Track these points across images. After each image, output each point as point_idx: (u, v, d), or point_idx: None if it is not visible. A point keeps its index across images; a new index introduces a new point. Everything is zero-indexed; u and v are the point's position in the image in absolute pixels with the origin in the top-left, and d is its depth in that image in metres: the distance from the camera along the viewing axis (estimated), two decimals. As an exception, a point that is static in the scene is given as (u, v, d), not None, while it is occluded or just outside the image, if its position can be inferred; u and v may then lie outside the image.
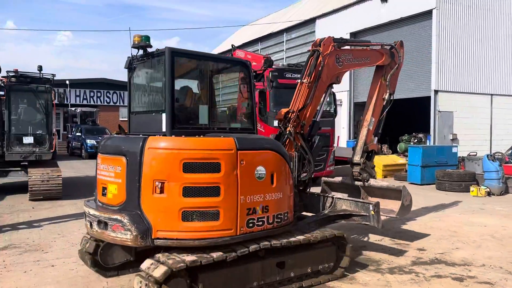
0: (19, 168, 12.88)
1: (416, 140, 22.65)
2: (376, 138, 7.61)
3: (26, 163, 12.78)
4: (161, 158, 4.73)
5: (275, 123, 7.63)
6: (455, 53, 21.21)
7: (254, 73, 5.97)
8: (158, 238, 4.68)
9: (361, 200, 6.53)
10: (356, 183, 7.42)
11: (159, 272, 4.39)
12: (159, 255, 4.67)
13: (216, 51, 39.15)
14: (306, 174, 6.36)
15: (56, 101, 13.54)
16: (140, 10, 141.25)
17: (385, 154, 23.40)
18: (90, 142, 26.36)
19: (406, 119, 26.54)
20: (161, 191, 4.67)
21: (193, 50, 5.56)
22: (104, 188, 5.16)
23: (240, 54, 15.66)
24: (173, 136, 5.00)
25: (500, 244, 7.82)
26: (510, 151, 17.11)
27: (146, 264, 4.62)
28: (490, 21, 22.27)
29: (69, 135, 31.77)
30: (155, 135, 5.06)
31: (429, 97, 20.99)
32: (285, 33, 30.85)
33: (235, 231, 4.84)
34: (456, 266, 6.55)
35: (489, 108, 22.54)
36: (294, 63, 16.93)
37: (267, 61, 6.15)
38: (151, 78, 5.79)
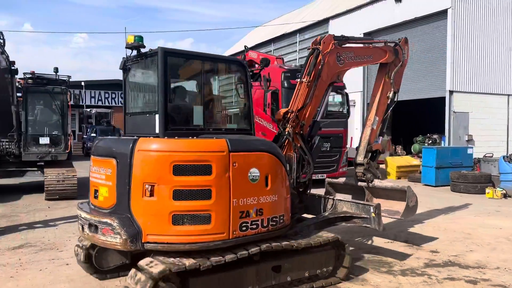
0: (35, 168, 13.18)
1: (430, 141, 22.33)
2: (381, 137, 7.41)
3: (42, 163, 13.05)
4: (151, 161, 4.63)
5: None
6: (470, 53, 20.78)
7: (251, 73, 5.84)
8: (148, 242, 4.58)
9: (362, 202, 6.35)
10: (360, 183, 7.23)
11: (157, 269, 4.32)
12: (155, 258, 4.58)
13: (229, 52, 39.15)
14: (306, 175, 6.21)
15: (71, 102, 13.85)
16: (154, 11, 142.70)
17: (399, 155, 23.10)
18: (104, 143, 26.45)
19: (420, 120, 26.19)
20: (151, 194, 4.57)
21: (187, 50, 5.48)
22: (96, 191, 5.09)
23: (252, 55, 15.65)
24: (165, 137, 4.90)
25: (515, 247, 7.63)
26: (527, 152, 16.73)
27: (145, 261, 4.54)
28: (506, 20, 21.75)
29: (84, 136, 32.12)
30: (149, 137, 4.98)
31: (444, 98, 20.59)
32: (298, 34, 30.63)
33: (227, 235, 4.72)
34: (470, 269, 6.44)
35: (505, 109, 22.02)
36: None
37: (264, 60, 6.02)
38: (145, 78, 5.71)
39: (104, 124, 30.71)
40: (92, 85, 36.40)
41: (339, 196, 7.27)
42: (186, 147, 4.69)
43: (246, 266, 4.93)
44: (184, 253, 4.62)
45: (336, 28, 26.07)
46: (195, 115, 5.53)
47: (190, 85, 5.85)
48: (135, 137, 4.90)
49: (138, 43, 5.29)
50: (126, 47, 5.40)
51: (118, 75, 5.90)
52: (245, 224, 4.84)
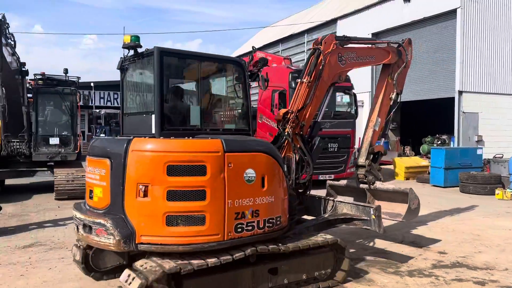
0: (45, 168, 13.33)
1: (439, 142, 22.12)
2: (383, 139, 7.31)
3: (52, 164, 13.21)
4: (145, 161, 4.57)
5: None
6: (480, 53, 20.54)
7: (249, 73, 5.77)
8: (142, 243, 4.52)
9: (362, 204, 6.25)
10: (362, 186, 7.13)
11: (150, 271, 4.28)
12: (138, 263, 4.52)
13: (237, 52, 39.11)
14: (305, 176, 6.12)
15: (81, 103, 14.09)
16: (162, 13, 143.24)
17: (407, 155, 22.89)
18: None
19: (429, 120, 25.94)
20: (145, 195, 4.51)
21: (183, 50, 5.42)
22: (91, 191, 5.06)
23: (260, 55, 15.60)
24: (161, 138, 4.85)
25: (525, 248, 7.54)
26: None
27: (140, 262, 4.50)
28: (516, 19, 21.51)
29: (93, 136, 32.22)
30: (145, 137, 4.93)
31: (453, 98, 20.37)
32: (306, 34, 30.50)
33: (222, 236, 4.64)
34: (478, 270, 6.38)
35: (516, 109, 21.74)
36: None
37: (262, 60, 5.94)
38: (141, 78, 5.67)
39: (113, 124, 30.82)
40: (101, 86, 36.50)
41: (340, 198, 7.17)
42: (180, 148, 4.63)
43: (241, 268, 4.86)
44: (178, 255, 4.56)
45: (344, 29, 25.91)
46: (192, 115, 5.47)
47: (187, 85, 5.79)
48: (130, 137, 4.85)
49: (134, 43, 5.24)
50: (123, 47, 5.36)
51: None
52: (240, 226, 4.77)
